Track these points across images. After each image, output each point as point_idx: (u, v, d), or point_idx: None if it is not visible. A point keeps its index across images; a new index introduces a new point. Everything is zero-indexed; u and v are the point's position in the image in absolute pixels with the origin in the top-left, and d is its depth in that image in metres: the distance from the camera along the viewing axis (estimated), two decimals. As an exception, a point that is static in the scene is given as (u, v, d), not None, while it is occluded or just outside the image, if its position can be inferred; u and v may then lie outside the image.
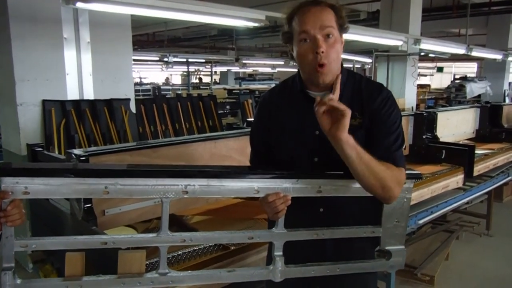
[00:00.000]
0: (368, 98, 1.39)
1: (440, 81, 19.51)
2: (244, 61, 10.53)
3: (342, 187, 1.39)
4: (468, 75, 11.61)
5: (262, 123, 1.52)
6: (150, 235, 1.29)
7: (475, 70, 17.03)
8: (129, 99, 3.95)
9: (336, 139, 1.25)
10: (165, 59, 8.98)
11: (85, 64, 3.64)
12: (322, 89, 1.39)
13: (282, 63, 11.20)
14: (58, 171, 1.20)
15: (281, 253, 1.38)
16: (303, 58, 1.34)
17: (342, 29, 1.37)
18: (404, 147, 1.42)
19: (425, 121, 3.68)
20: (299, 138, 1.44)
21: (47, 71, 3.42)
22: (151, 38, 11.62)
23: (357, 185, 1.39)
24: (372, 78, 7.49)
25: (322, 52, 1.29)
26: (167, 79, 18.74)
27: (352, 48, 9.56)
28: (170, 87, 13.91)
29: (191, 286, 1.60)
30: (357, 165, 1.29)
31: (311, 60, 1.32)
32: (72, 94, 3.60)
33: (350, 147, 1.26)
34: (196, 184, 1.27)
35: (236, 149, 2.36)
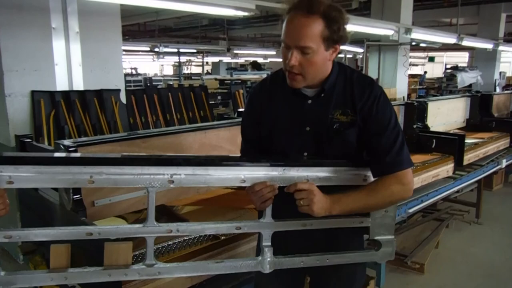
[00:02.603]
0: (360, 96, 1.38)
1: (431, 71, 19.58)
2: (235, 51, 10.49)
3: (329, 177, 1.39)
4: (460, 65, 11.67)
5: (253, 115, 1.52)
6: (136, 225, 1.28)
7: (466, 59, 17.10)
8: (119, 90, 3.91)
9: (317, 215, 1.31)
10: (156, 49, 8.91)
11: (74, 54, 3.59)
12: (312, 86, 1.40)
13: (274, 53, 11.18)
14: (42, 159, 1.18)
15: (269, 243, 1.38)
16: (282, 58, 1.36)
17: (333, 41, 1.31)
18: (404, 143, 1.39)
19: (416, 111, 3.69)
20: (289, 133, 1.44)
21: (36, 61, 3.37)
22: (142, 28, 11.51)
23: (344, 175, 1.41)
24: (364, 68, 7.50)
25: (293, 65, 1.30)
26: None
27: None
28: (161, 78, 13.81)
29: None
30: (355, 209, 1.37)
31: (285, 64, 1.34)
32: (61, 84, 3.55)
33: (335, 210, 1.32)
34: (182, 173, 1.26)
35: (226, 139, 2.35)
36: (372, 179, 1.41)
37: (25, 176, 1.14)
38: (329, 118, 1.39)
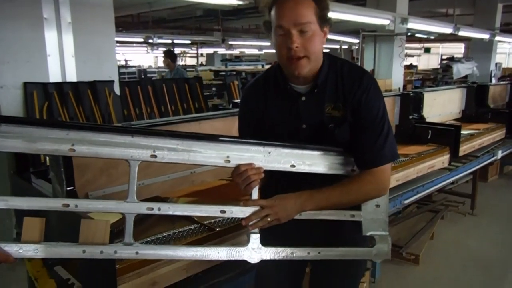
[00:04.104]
0: (349, 89, 1.36)
1: (427, 62, 19.59)
2: (230, 42, 10.41)
3: (317, 162, 1.38)
4: (456, 56, 11.65)
5: (248, 115, 1.52)
6: (117, 201, 1.23)
7: (462, 50, 17.10)
8: (113, 81, 3.87)
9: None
10: (150, 41, 8.83)
11: (67, 45, 3.54)
12: (303, 82, 1.39)
13: (269, 44, 11.10)
14: (23, 120, 1.14)
15: (256, 231, 1.33)
16: (278, 51, 1.33)
17: (324, 21, 1.31)
18: (389, 135, 1.37)
19: (412, 102, 3.68)
20: (286, 131, 1.42)
21: (28, 52, 3.32)
22: (136, 19, 11.38)
23: (335, 160, 1.40)
24: (360, 59, 7.48)
25: (297, 47, 1.28)
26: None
27: (339, 28, 9.50)
28: (156, 70, 13.73)
29: (176, 266, 1.60)
30: (328, 207, 1.37)
31: (285, 53, 1.31)
32: (54, 76, 3.51)
33: (307, 207, 1.33)
34: (165, 147, 1.23)
35: (221, 130, 2.33)
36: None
37: (4, 135, 1.09)
38: (323, 113, 1.38)
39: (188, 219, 1.85)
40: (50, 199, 1.20)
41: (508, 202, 4.78)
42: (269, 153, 1.33)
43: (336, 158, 1.41)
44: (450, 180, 3.46)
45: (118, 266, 1.42)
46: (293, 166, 1.36)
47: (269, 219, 1.30)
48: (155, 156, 1.23)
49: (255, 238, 1.34)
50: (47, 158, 2.04)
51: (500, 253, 3.55)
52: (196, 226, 1.82)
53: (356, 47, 10.26)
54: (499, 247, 3.67)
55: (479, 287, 3.05)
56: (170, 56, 6.27)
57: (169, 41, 10.45)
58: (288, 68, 1.34)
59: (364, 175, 1.36)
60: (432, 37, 7.60)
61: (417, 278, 3.15)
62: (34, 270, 1.83)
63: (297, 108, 1.40)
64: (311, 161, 1.38)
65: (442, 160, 3.27)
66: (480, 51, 10.16)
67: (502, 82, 6.39)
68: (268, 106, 1.44)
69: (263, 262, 1.36)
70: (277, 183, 1.42)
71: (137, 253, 1.24)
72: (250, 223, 1.30)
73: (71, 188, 1.74)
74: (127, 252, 1.24)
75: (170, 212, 1.28)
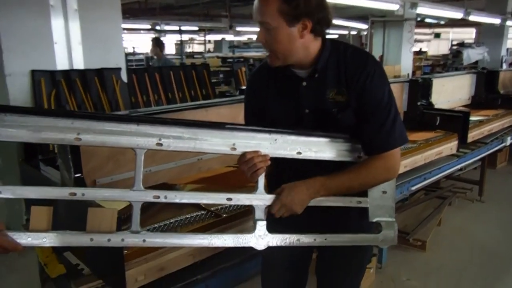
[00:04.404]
0: (353, 74, 1.34)
1: (437, 47, 19.30)
2: (238, 29, 10.33)
3: (323, 148, 1.37)
4: (466, 41, 11.47)
5: (253, 102, 1.52)
6: (123, 190, 1.24)
7: (473, 36, 16.80)
8: (120, 69, 3.87)
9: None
10: (157, 27, 8.79)
11: (74, 33, 3.54)
12: (304, 67, 1.38)
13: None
14: (27, 110, 1.15)
15: (262, 218, 1.34)
16: None
17: (297, 16, 1.25)
18: (396, 119, 1.36)
19: (420, 88, 3.64)
20: (289, 117, 1.42)
21: (34, 40, 3.33)
22: (143, 5, 11.31)
23: (341, 147, 1.39)
24: (368, 45, 7.39)
25: (262, 42, 1.31)
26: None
27: (348, 14, 9.38)
28: (164, 57, 13.69)
29: (183, 251, 1.62)
30: (338, 193, 1.37)
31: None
32: (61, 64, 3.52)
33: (317, 195, 1.34)
34: (171, 136, 1.23)
35: (228, 116, 2.33)
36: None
37: (9, 125, 1.10)
38: (326, 98, 1.36)
39: (195, 205, 1.86)
40: (56, 188, 1.21)
41: (516, 189, 4.75)
42: (275, 140, 1.33)
43: (343, 145, 1.40)
44: (458, 166, 3.43)
45: (126, 252, 1.44)
46: (299, 153, 1.36)
47: (285, 214, 1.33)
48: (161, 145, 1.23)
49: (261, 225, 1.34)
50: (55, 145, 2.06)
51: (508, 239, 3.54)
52: (203, 212, 1.83)
53: (365, 33, 10.14)
54: (507, 233, 3.66)
55: (485, 273, 3.04)
56: (159, 44, 6.14)
57: (177, 28, 10.39)
58: None
59: (374, 160, 1.36)
60: (442, 22, 7.47)
61: (424, 264, 3.16)
62: (43, 255, 1.86)
63: (298, 93, 1.39)
64: (318, 148, 1.38)
65: (450, 146, 3.24)
66: (491, 36, 9.98)
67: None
68: (271, 91, 1.44)
69: (269, 248, 1.36)
70: (283, 172, 1.42)
71: (144, 240, 1.26)
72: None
73: (79, 175, 1.77)
74: (134, 240, 1.25)
75: (177, 200, 1.29)
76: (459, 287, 2.87)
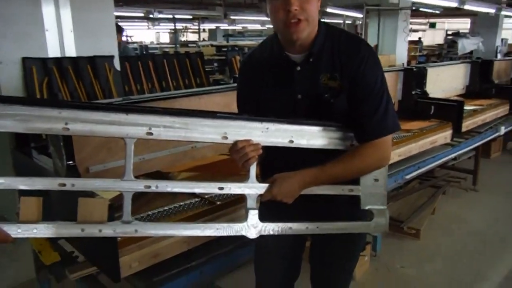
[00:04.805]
0: (347, 58, 1.33)
1: (432, 37, 19.28)
2: (232, 17, 10.25)
3: (315, 137, 1.36)
4: (461, 31, 11.46)
5: (245, 88, 1.50)
6: (114, 180, 1.23)
7: (468, 26, 16.80)
8: (113, 56, 3.83)
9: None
10: (150, 16, 8.69)
11: (65, 20, 3.48)
12: (299, 50, 1.35)
13: (272, 19, 10.89)
14: (13, 99, 1.12)
15: (254, 206, 1.34)
16: (275, 16, 1.29)
17: None
18: (389, 106, 1.35)
19: (415, 77, 3.63)
20: (281, 102, 1.40)
21: (25, 27, 3.27)
22: (136, -7, 11.19)
23: (334, 135, 1.38)
24: (363, 34, 7.36)
25: (296, 9, 1.24)
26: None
27: (343, 2, 9.32)
28: (157, 46, 13.57)
29: (178, 238, 1.62)
30: (331, 182, 1.37)
31: (282, 17, 1.26)
32: (53, 51, 3.46)
33: (308, 185, 1.33)
34: (161, 125, 1.22)
35: (221, 104, 2.31)
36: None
37: None
38: (319, 83, 1.35)
39: (189, 193, 1.85)
40: (45, 179, 1.19)
41: (509, 178, 4.78)
42: (267, 128, 1.32)
43: (335, 133, 1.39)
44: (452, 155, 3.44)
45: (120, 239, 1.43)
46: (291, 141, 1.35)
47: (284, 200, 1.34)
48: (151, 134, 1.21)
49: (253, 214, 1.34)
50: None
51: (501, 228, 3.57)
52: (197, 200, 1.83)
53: (360, 22, 10.10)
54: (500, 222, 3.69)
55: (479, 261, 3.07)
56: (118, 31, 5.87)
57: (170, 16, 10.28)
58: (285, 33, 1.31)
59: (365, 147, 1.35)
60: (437, 12, 7.45)
61: (418, 252, 3.18)
62: (37, 243, 1.85)
63: (292, 78, 1.37)
64: (310, 136, 1.37)
65: (444, 135, 3.25)
66: (486, 26, 9.99)
67: (507, 58, 6.30)
68: (264, 77, 1.42)
69: (262, 236, 1.36)
70: (275, 160, 1.40)
71: (136, 231, 1.25)
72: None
73: (71, 162, 1.75)
74: (126, 230, 1.24)
75: (168, 190, 1.28)
76: (453, 274, 2.90)
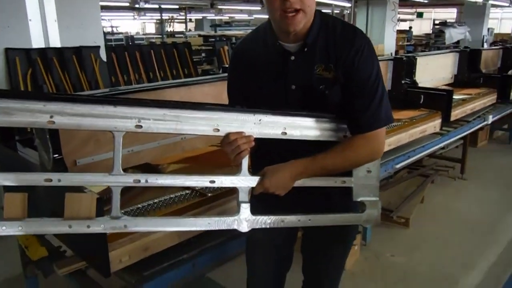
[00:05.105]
0: (341, 49, 1.29)
1: (419, 27, 19.36)
2: (219, 7, 10.14)
3: (308, 128, 1.34)
4: (448, 21, 11.52)
5: (237, 75, 1.46)
6: (102, 174, 1.19)
7: (454, 16, 16.91)
8: (99, 47, 3.76)
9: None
10: (136, 5, 8.55)
11: (49, 9, 3.40)
12: (294, 40, 1.32)
13: (259, 8, 10.84)
14: None
15: (246, 200, 1.32)
16: (271, 4, 1.24)
17: None
18: (383, 97, 1.32)
19: (405, 66, 3.64)
20: (274, 92, 1.37)
21: (7, 17, 3.19)
22: (122, -18, 11.00)
23: (327, 127, 1.36)
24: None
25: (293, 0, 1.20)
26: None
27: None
28: (143, 37, 13.39)
29: (166, 233, 1.59)
30: (323, 174, 1.35)
31: (279, 6, 1.22)
32: (36, 42, 3.39)
33: (299, 177, 1.31)
34: (151, 117, 1.18)
35: (211, 95, 2.28)
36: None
37: None
38: (313, 74, 1.32)
39: (179, 185, 1.82)
40: (30, 174, 1.15)
41: (496, 166, 4.84)
42: (260, 120, 1.29)
43: (328, 124, 1.37)
44: (441, 144, 3.46)
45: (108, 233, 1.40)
46: (284, 133, 1.33)
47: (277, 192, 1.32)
48: (140, 127, 1.17)
49: (245, 207, 1.32)
50: (32, 125, 1.98)
51: (488, 216, 3.62)
52: (187, 192, 1.80)
53: (348, 12, 10.07)
54: (488, 210, 3.73)
55: (467, 247, 3.11)
56: None
57: (157, 6, 10.14)
58: (281, 23, 1.27)
59: (358, 139, 1.32)
60: (425, 1, 7.45)
61: (407, 241, 3.21)
62: (23, 238, 1.81)
63: (286, 68, 1.34)
64: (303, 128, 1.34)
65: (433, 125, 3.26)
66: (472, 16, 10.05)
67: (494, 47, 6.34)
68: (256, 66, 1.39)
69: (253, 228, 1.34)
70: (267, 152, 1.37)
71: (125, 226, 1.21)
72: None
73: (59, 155, 1.70)
74: (115, 226, 1.21)
75: (159, 183, 1.24)
76: (442, 262, 2.93)
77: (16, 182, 1.12)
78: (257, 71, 1.39)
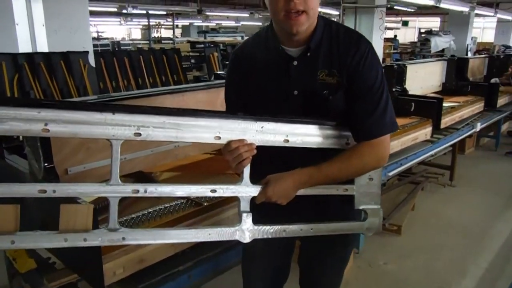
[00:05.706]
0: (345, 54, 1.27)
1: (404, 36, 19.64)
2: (207, 13, 10.12)
3: (310, 135, 1.31)
4: (433, 30, 11.70)
5: (236, 82, 1.42)
6: (99, 184, 1.14)
7: (438, 24, 17.21)
8: (87, 52, 3.70)
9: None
10: (124, 11, 8.48)
11: (37, 13, 3.34)
12: (296, 44, 1.30)
13: (247, 15, 10.86)
14: None
15: (248, 209, 1.28)
16: (274, 5, 1.21)
17: None
18: (388, 103, 1.30)
19: (395, 74, 3.66)
20: (276, 98, 1.34)
21: (-7, 20, 3.12)
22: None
23: (329, 134, 1.33)
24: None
25: (297, 1, 1.17)
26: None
27: None
28: (130, 42, 13.27)
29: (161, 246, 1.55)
30: (327, 182, 1.33)
31: (282, 7, 1.20)
32: (23, 46, 3.32)
33: (303, 186, 1.29)
34: (150, 125, 1.13)
35: (205, 102, 2.24)
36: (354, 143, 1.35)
37: None
38: (316, 79, 1.29)
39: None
40: (23, 185, 1.09)
41: (484, 172, 4.89)
42: (262, 127, 1.26)
43: (331, 132, 1.34)
44: (432, 152, 3.48)
45: (103, 244, 1.34)
46: (286, 140, 1.30)
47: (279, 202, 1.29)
48: (140, 134, 1.13)
49: (247, 217, 1.28)
50: (21, 132, 1.92)
51: (478, 221, 3.64)
52: (182, 201, 1.76)
53: (336, 20, 10.15)
54: (477, 216, 3.76)
55: (458, 253, 3.12)
56: None
57: (144, 12, 10.07)
58: (284, 25, 1.24)
59: (364, 147, 1.30)
60: (411, 10, 7.55)
61: (400, 248, 3.20)
62: (11, 250, 1.74)
63: (288, 73, 1.31)
64: (305, 135, 1.31)
65: (425, 132, 3.28)
66: (457, 24, 10.22)
67: (480, 55, 6.45)
68: (256, 71, 1.35)
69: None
70: (269, 159, 1.33)
71: (123, 238, 1.16)
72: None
73: (50, 164, 1.64)
74: (113, 239, 1.15)
75: (158, 193, 1.20)
76: (434, 269, 2.93)
77: (6, 193, 1.06)
78: (258, 76, 1.35)
